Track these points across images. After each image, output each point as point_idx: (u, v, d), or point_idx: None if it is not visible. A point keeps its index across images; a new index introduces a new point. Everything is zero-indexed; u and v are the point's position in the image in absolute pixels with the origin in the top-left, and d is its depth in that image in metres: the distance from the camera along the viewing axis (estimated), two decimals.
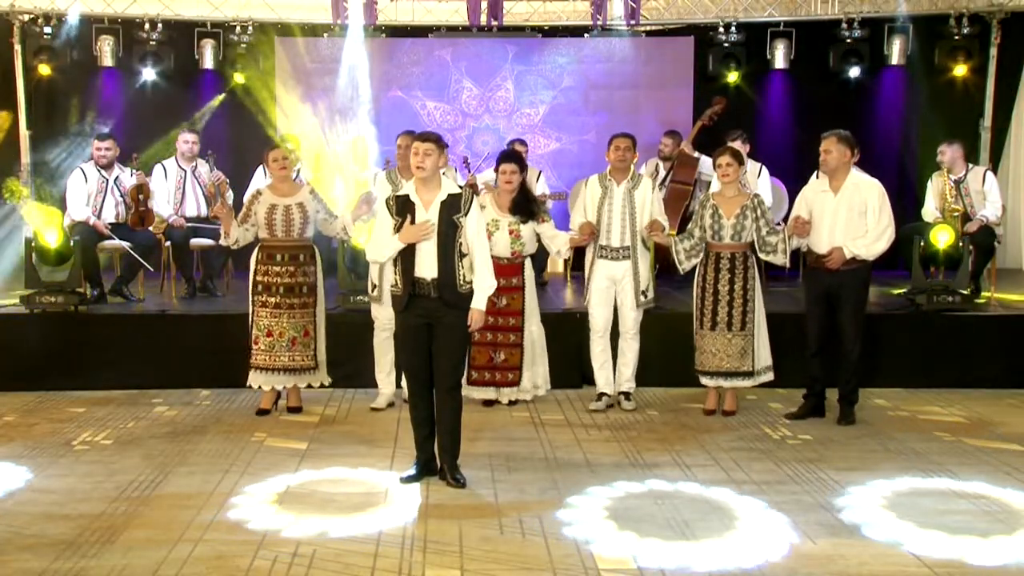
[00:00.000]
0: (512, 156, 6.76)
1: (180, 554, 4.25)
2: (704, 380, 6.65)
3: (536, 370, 6.87)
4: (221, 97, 10.83)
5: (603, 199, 6.71)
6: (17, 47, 10.57)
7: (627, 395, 6.87)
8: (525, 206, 6.66)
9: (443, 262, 5.09)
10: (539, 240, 6.79)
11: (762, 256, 6.54)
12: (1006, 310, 8.05)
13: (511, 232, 6.60)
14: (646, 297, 6.77)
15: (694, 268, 6.65)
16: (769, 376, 6.61)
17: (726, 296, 6.48)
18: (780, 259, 6.49)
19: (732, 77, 10.95)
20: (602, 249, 6.73)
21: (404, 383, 6.77)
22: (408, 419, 5.39)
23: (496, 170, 6.73)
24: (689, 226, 6.70)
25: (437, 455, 5.27)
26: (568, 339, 7.29)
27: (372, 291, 6.82)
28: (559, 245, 6.75)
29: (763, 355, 6.57)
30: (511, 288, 6.65)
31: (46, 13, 10.38)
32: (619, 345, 6.85)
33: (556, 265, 10.20)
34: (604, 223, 6.71)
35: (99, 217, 8.34)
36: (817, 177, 7.06)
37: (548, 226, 6.74)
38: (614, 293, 6.80)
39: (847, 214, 6.30)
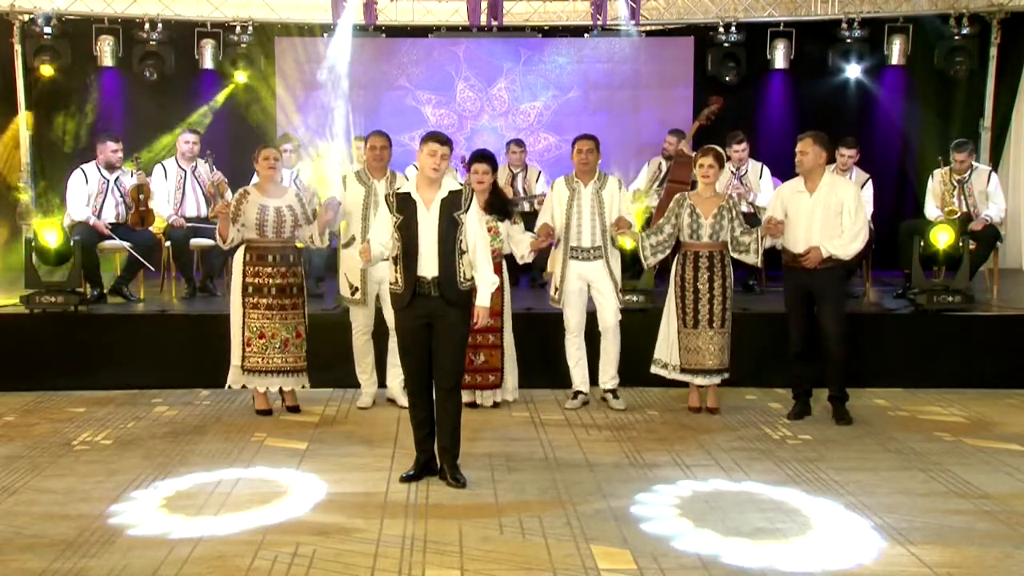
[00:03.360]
0: (484, 156, 6.71)
1: (180, 554, 4.25)
2: (688, 378, 6.65)
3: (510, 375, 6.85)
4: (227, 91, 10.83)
5: (571, 200, 6.73)
6: (17, 47, 10.57)
7: (614, 392, 6.86)
8: (500, 205, 6.67)
9: (444, 260, 5.10)
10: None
11: (734, 255, 6.60)
12: (1006, 310, 8.05)
13: (490, 229, 6.58)
14: (622, 295, 6.80)
15: (665, 266, 6.69)
16: (727, 374, 6.66)
17: (707, 294, 6.53)
18: (752, 259, 6.57)
19: (732, 77, 10.95)
20: (573, 250, 6.75)
21: (390, 383, 6.84)
22: (408, 419, 5.39)
23: (468, 170, 6.72)
24: (660, 221, 6.73)
25: (437, 455, 5.28)
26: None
27: (353, 294, 6.78)
28: (522, 249, 6.70)
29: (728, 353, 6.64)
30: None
31: (46, 13, 10.38)
32: (601, 344, 6.84)
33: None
34: (574, 224, 6.73)
35: (99, 217, 8.34)
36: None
37: (518, 228, 6.71)
38: (587, 293, 6.81)
39: (823, 214, 6.34)
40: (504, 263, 6.79)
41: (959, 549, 4.34)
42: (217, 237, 6.53)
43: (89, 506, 4.85)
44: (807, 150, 6.36)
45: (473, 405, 6.79)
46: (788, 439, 6.13)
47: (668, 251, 6.67)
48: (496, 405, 6.85)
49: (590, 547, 4.34)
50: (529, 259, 6.80)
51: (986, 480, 5.30)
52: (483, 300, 5.18)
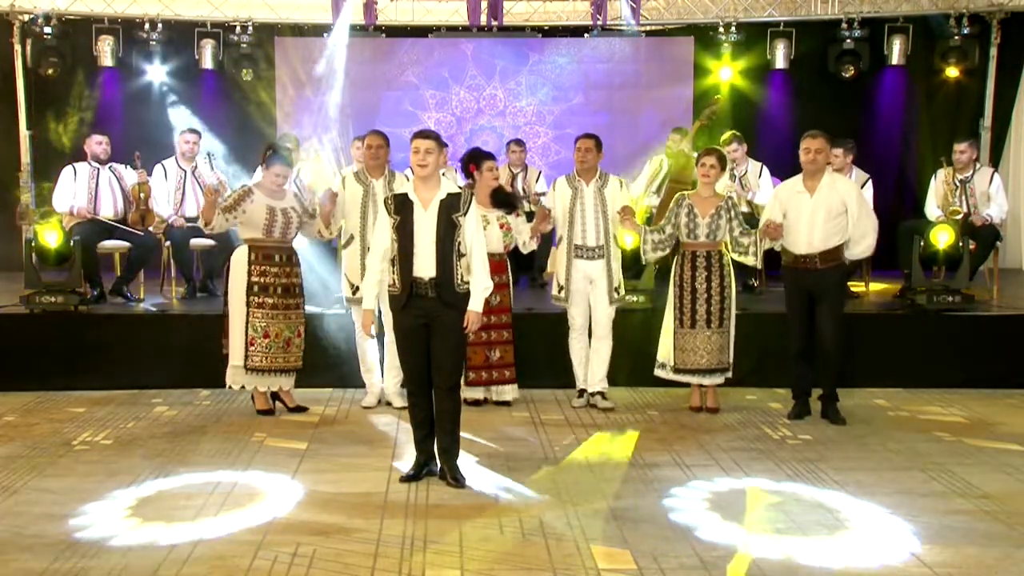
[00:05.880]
0: (489, 153, 6.83)
1: (180, 554, 4.25)
2: (684, 378, 6.68)
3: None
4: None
5: (574, 199, 6.75)
6: (17, 47, 10.58)
7: (602, 395, 6.85)
8: (505, 199, 6.72)
9: (441, 262, 5.09)
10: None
11: (734, 257, 6.63)
12: (1006, 310, 8.04)
13: (502, 226, 6.64)
14: (619, 294, 6.81)
15: (667, 267, 6.73)
16: (729, 374, 6.68)
17: (704, 294, 6.55)
18: (751, 260, 6.59)
19: (732, 77, 10.96)
20: (577, 248, 6.76)
21: (386, 384, 6.83)
22: (407, 419, 5.39)
23: (478, 168, 6.65)
24: (662, 221, 6.76)
25: (437, 455, 5.28)
26: (567, 339, 7.29)
27: (354, 293, 6.75)
28: (524, 236, 6.78)
29: (730, 353, 6.64)
30: (501, 285, 6.66)
31: (46, 13, 10.38)
32: (592, 345, 6.85)
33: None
34: (578, 223, 6.74)
35: (96, 212, 8.35)
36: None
37: (520, 220, 6.78)
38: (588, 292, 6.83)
39: (825, 214, 6.34)
40: (508, 260, 6.81)
41: (959, 549, 4.34)
42: (200, 220, 6.54)
43: (89, 506, 4.85)
44: (822, 148, 6.35)
45: (479, 403, 6.81)
46: (788, 439, 6.13)
47: (668, 250, 6.69)
48: (508, 403, 6.86)
49: (590, 547, 4.34)
50: (533, 245, 6.85)
51: (986, 480, 5.29)
52: (475, 305, 5.17)
